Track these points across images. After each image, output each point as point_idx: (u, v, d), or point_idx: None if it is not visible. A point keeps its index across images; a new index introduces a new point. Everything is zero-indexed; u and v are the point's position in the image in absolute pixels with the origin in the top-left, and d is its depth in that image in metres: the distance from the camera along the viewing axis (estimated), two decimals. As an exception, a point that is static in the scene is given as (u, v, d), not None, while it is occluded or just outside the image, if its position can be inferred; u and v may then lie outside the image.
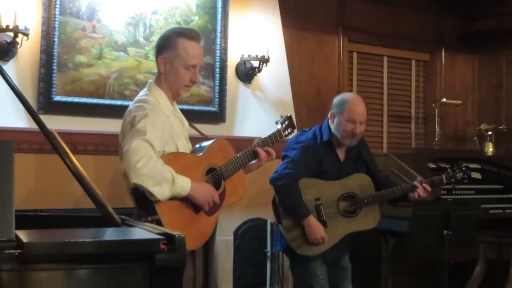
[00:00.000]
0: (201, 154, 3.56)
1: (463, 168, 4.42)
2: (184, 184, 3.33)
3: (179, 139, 3.52)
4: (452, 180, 4.42)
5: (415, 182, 4.30)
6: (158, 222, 3.22)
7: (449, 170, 4.43)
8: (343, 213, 4.25)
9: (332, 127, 4.30)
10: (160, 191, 3.24)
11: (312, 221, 4.16)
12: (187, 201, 3.39)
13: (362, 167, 4.38)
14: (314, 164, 4.25)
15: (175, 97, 3.59)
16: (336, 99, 4.36)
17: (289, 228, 4.23)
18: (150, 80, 3.64)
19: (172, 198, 3.33)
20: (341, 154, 4.35)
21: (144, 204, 3.32)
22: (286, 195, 4.20)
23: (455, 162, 4.49)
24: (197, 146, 3.66)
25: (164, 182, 3.25)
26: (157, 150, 3.30)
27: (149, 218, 3.21)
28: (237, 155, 3.66)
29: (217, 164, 3.57)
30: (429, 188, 4.30)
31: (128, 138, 3.31)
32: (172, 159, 3.38)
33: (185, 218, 3.40)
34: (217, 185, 3.55)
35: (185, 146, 3.55)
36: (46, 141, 2.58)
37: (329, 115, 4.34)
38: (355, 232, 4.30)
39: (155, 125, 3.33)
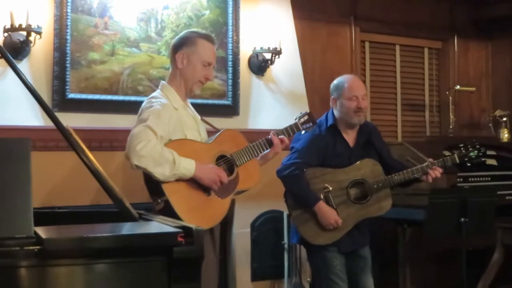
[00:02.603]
0: (210, 142, 3.67)
1: (477, 146, 4.32)
2: (188, 165, 3.40)
3: (189, 130, 3.61)
4: (466, 159, 4.33)
5: (427, 163, 4.23)
6: (167, 203, 3.34)
7: (462, 148, 4.35)
8: (354, 200, 4.22)
9: (336, 112, 4.29)
10: (161, 171, 3.33)
11: (322, 206, 4.14)
12: (196, 183, 3.46)
13: (373, 154, 4.35)
14: (321, 151, 4.24)
15: (187, 94, 3.72)
16: (333, 84, 4.35)
17: (300, 218, 4.23)
18: (162, 81, 3.76)
19: (180, 180, 3.41)
20: (350, 140, 4.32)
21: (153, 188, 3.43)
22: (292, 184, 4.20)
23: (470, 142, 4.41)
24: (208, 138, 3.76)
25: (165, 163, 3.34)
26: (159, 135, 3.39)
27: (159, 200, 3.35)
28: (251, 144, 3.72)
29: (228, 151, 3.65)
30: (441, 170, 4.23)
31: (133, 128, 3.45)
32: (177, 145, 3.47)
33: (194, 200, 3.47)
34: (230, 172, 3.62)
35: (195, 137, 3.63)
36: (62, 139, 2.61)
37: (331, 102, 4.33)
38: (368, 218, 4.27)
39: (160, 114, 3.45)
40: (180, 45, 3.69)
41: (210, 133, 3.81)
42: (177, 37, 3.84)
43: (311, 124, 3.97)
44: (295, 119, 3.96)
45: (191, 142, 3.57)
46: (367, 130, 4.38)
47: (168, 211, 3.28)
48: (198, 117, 3.79)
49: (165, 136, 3.44)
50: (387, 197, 4.27)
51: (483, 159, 4.38)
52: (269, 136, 3.79)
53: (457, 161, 4.32)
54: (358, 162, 4.27)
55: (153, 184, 3.41)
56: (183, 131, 3.56)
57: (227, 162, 3.63)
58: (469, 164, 4.40)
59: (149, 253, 2.08)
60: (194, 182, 3.45)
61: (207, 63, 3.68)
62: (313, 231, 4.20)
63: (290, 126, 3.90)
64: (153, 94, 3.69)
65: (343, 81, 4.32)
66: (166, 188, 3.38)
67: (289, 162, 4.22)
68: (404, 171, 4.25)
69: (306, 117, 3.97)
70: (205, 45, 3.69)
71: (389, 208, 4.27)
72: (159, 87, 3.72)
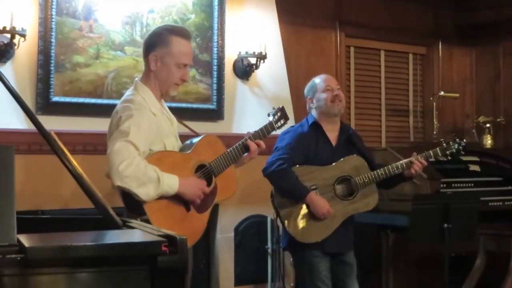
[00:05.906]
0: (189, 151, 3.49)
1: (457, 140, 4.40)
2: (171, 183, 3.26)
3: (167, 138, 3.45)
4: (447, 152, 4.39)
5: (411, 158, 4.27)
6: (147, 222, 3.13)
7: (443, 143, 4.42)
8: (341, 197, 4.25)
9: (315, 111, 4.36)
10: (145, 192, 3.18)
11: (314, 197, 4.15)
12: (177, 199, 3.34)
13: (356, 153, 4.38)
14: (305, 149, 4.26)
15: (163, 96, 3.54)
16: (305, 88, 4.46)
17: (288, 216, 4.22)
18: (137, 79, 3.57)
19: (161, 197, 3.27)
20: (332, 139, 4.36)
21: (132, 205, 3.27)
22: (280, 178, 4.18)
23: (450, 137, 4.48)
24: (187, 143, 3.59)
25: (148, 183, 3.18)
26: (142, 150, 3.23)
27: (138, 219, 3.17)
28: (228, 150, 3.58)
29: (206, 160, 3.51)
30: (425, 162, 4.26)
31: (112, 140, 3.26)
32: (158, 158, 3.32)
33: (175, 217, 3.34)
34: (208, 182, 3.48)
35: (173, 145, 3.49)
36: (45, 142, 2.59)
37: (307, 105, 4.41)
38: (355, 214, 4.31)
39: (141, 125, 3.27)
40: (153, 45, 3.45)
41: (187, 137, 3.67)
42: (149, 33, 3.61)
43: (284, 120, 3.89)
44: (269, 116, 3.88)
45: (170, 154, 3.42)
46: (348, 131, 4.44)
47: None
48: (174, 119, 3.62)
49: (146, 149, 3.29)
50: (373, 192, 4.32)
51: (463, 152, 4.45)
52: (245, 140, 3.65)
53: (439, 154, 4.38)
54: (343, 159, 4.30)
55: (132, 201, 3.25)
56: (162, 140, 3.40)
57: (206, 173, 3.49)
58: (450, 158, 4.48)
59: (133, 262, 2.06)
60: (175, 198, 3.32)
61: (182, 65, 3.46)
62: (302, 229, 4.20)
63: (265, 127, 3.79)
64: (129, 95, 3.46)
65: (314, 80, 4.44)
66: (148, 208, 3.23)
67: (274, 158, 4.22)
68: (389, 166, 4.28)
69: (279, 114, 3.89)
70: (179, 44, 3.45)
71: (375, 203, 4.32)
72: (133, 86, 3.50)
